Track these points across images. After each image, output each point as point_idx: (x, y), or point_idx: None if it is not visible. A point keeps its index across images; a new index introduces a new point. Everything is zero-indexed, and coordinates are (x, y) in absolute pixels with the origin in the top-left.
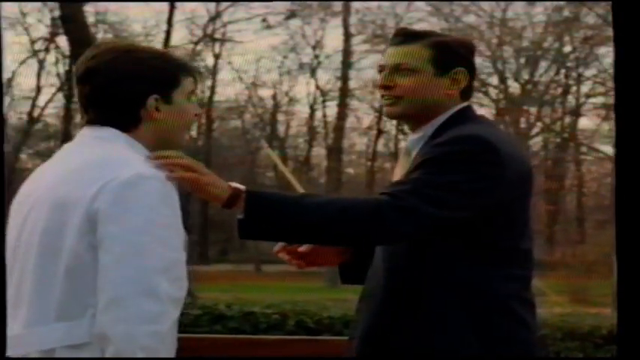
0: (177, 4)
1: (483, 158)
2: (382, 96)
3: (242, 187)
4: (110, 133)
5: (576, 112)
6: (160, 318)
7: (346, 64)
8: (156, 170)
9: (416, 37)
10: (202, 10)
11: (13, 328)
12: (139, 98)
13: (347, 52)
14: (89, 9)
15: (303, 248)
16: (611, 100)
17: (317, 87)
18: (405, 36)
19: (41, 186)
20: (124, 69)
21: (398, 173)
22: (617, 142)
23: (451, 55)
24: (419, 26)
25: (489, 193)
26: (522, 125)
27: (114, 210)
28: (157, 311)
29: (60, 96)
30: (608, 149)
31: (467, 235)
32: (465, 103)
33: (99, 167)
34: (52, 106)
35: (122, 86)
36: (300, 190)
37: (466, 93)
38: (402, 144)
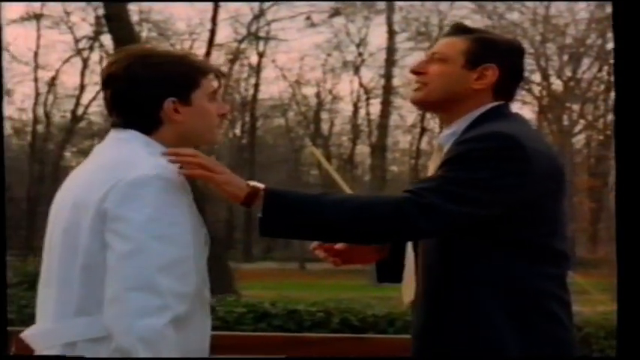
0: (221, 2)
1: (507, 155)
2: (414, 82)
3: (261, 185)
4: (130, 135)
5: None
6: (159, 312)
7: (390, 61)
8: (163, 170)
9: (464, 32)
10: (246, 9)
11: (45, 323)
12: (155, 102)
13: (391, 50)
14: (133, 7)
15: (339, 246)
16: None
17: (361, 85)
18: (456, 29)
19: (70, 187)
20: (139, 74)
21: (431, 169)
22: (616, 142)
23: (486, 50)
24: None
25: (513, 189)
26: (565, 122)
27: (119, 210)
28: (156, 305)
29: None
30: None
31: (491, 231)
32: (499, 102)
33: (111, 169)
34: (95, 105)
35: (138, 91)
36: (346, 188)
37: (501, 91)
38: None
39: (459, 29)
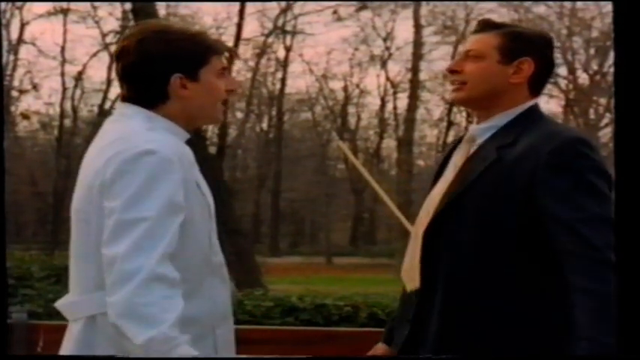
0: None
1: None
2: (451, 82)
3: None
4: (131, 110)
5: None
6: (130, 277)
7: (417, 55)
8: (156, 145)
9: (493, 27)
10: (273, 3)
11: (72, 295)
12: (162, 76)
13: (417, 44)
14: (160, 2)
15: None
16: None
17: (387, 79)
18: (485, 25)
19: (82, 166)
20: (149, 49)
21: (456, 159)
22: (616, 142)
23: (519, 44)
24: (488, 17)
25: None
26: (591, 116)
27: (112, 188)
28: (127, 271)
29: None
30: None
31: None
32: (534, 101)
33: (110, 147)
34: None
35: (146, 65)
36: (372, 182)
37: (536, 84)
38: None
39: (488, 25)
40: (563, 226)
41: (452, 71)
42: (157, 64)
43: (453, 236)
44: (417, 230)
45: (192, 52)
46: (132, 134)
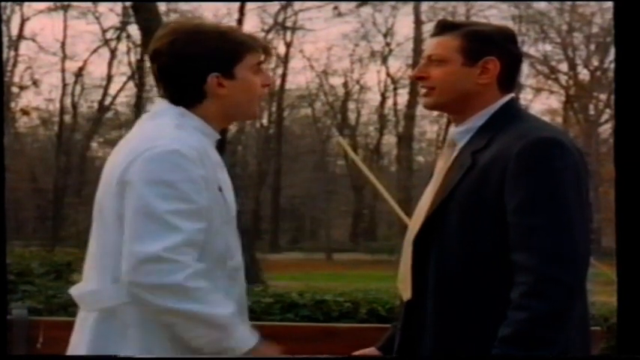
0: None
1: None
2: (421, 87)
3: None
4: (164, 107)
5: None
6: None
7: (417, 51)
8: (181, 144)
9: (451, 28)
10: None
11: (88, 285)
12: (198, 77)
13: (418, 40)
14: None
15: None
16: None
17: (388, 75)
18: (442, 27)
19: (109, 160)
20: (182, 51)
21: (440, 165)
22: (616, 138)
23: (481, 43)
24: (489, 13)
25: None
26: (591, 112)
27: (137, 187)
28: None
29: (131, 85)
30: None
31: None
32: (508, 96)
33: (134, 144)
34: (122, 95)
35: (181, 67)
36: (372, 178)
37: (506, 81)
38: None
39: (446, 26)
40: (515, 233)
41: (418, 78)
42: (193, 65)
43: (440, 245)
44: (408, 239)
45: (226, 50)
46: (158, 133)
